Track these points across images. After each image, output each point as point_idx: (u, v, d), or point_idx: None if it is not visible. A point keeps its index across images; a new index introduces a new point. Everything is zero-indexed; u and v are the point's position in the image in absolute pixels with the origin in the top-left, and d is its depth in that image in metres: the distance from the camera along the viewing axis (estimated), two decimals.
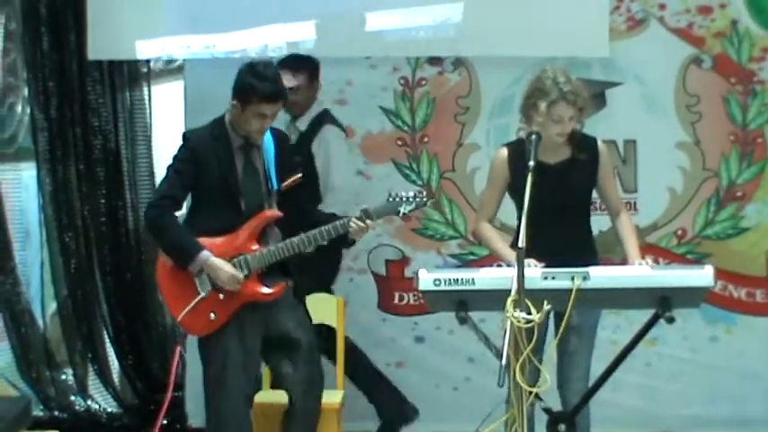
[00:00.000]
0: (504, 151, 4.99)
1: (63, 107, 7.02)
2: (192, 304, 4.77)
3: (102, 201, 7.12)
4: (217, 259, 4.74)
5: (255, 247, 4.82)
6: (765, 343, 6.56)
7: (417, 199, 4.90)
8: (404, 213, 4.92)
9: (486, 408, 4.50)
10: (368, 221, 4.84)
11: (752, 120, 6.60)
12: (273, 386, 5.18)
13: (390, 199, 4.90)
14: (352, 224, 4.83)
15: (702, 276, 4.46)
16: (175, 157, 4.93)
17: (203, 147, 4.85)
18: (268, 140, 4.94)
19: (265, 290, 4.83)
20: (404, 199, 4.89)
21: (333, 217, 4.95)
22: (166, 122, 7.15)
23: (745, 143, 6.61)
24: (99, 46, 6.55)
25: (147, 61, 7.05)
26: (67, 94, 7.01)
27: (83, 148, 7.06)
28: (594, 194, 5.06)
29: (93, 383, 7.09)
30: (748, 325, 6.60)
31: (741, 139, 6.61)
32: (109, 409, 7.05)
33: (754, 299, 6.60)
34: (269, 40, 6.37)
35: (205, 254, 4.74)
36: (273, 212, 4.88)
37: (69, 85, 7.01)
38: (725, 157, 6.61)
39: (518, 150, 4.84)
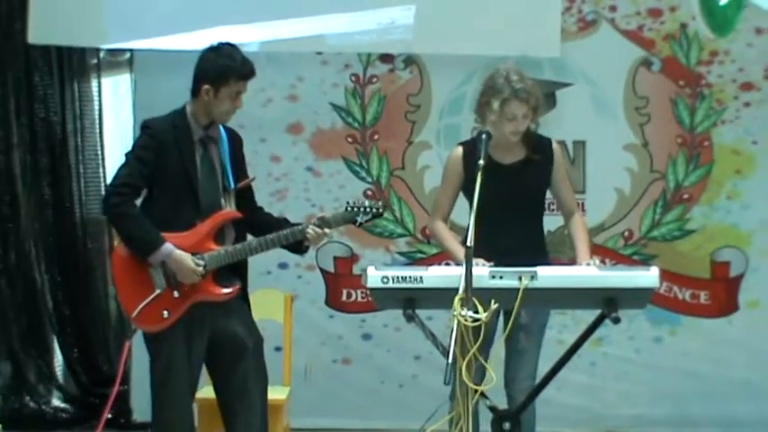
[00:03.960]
0: (459, 150, 5.00)
1: (8, 96, 6.94)
2: (146, 301, 4.72)
3: (48, 191, 7.05)
4: (180, 252, 4.71)
5: (213, 246, 4.79)
6: (708, 344, 6.64)
7: (374, 210, 4.91)
8: (360, 223, 4.93)
9: (432, 406, 4.51)
10: (325, 229, 4.83)
11: (699, 123, 6.67)
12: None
13: (348, 208, 4.90)
14: (309, 231, 4.82)
15: (648, 277, 4.48)
16: (136, 145, 4.84)
17: (165, 136, 4.77)
18: (223, 137, 4.91)
19: (225, 290, 4.79)
20: (361, 209, 4.89)
21: (285, 221, 4.94)
22: (114, 115, 7.10)
23: (692, 146, 6.67)
24: (41, 31, 6.46)
25: (97, 52, 6.99)
26: (14, 84, 6.93)
27: (29, 138, 6.99)
28: (548, 195, 5.08)
29: (37, 377, 7.02)
30: (692, 326, 6.66)
31: (688, 141, 6.67)
32: (53, 403, 6.99)
33: (699, 300, 6.67)
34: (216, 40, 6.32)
35: (168, 246, 4.69)
36: (234, 212, 4.85)
37: (15, 75, 6.93)
38: (672, 159, 6.68)
39: (473, 149, 4.84)
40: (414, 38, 6.50)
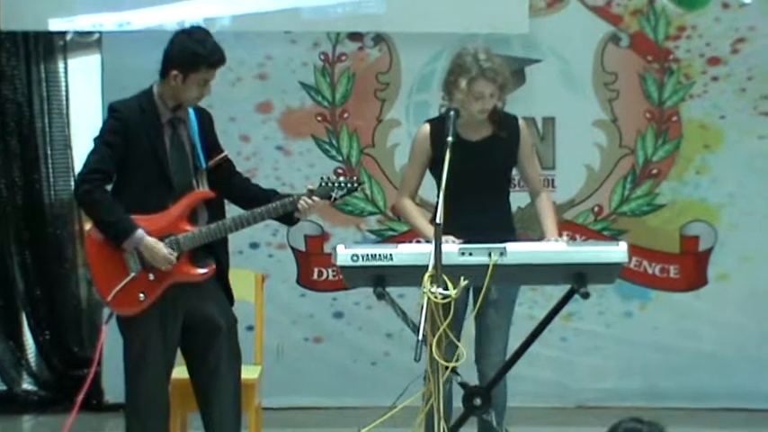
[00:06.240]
0: (427, 127, 5.01)
1: None
2: (121, 284, 4.71)
3: (18, 174, 7.01)
4: (151, 239, 4.68)
5: (187, 227, 4.77)
6: (678, 318, 6.68)
7: (349, 185, 4.91)
8: (335, 198, 4.93)
9: (404, 383, 4.52)
10: (315, 199, 4.82)
11: (668, 98, 6.69)
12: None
13: (323, 183, 4.90)
14: (302, 202, 4.81)
15: (616, 252, 4.52)
16: (104, 129, 4.81)
17: (132, 119, 4.75)
18: (191, 117, 4.89)
19: (201, 270, 4.78)
20: (336, 184, 4.89)
21: (274, 193, 4.93)
22: (82, 96, 7.05)
23: (660, 121, 6.70)
24: (12, 17, 6.43)
25: (64, 34, 6.94)
26: None
27: None
28: (514, 171, 5.10)
29: (8, 359, 7.00)
30: (662, 300, 6.71)
31: (657, 116, 6.70)
32: (24, 386, 6.97)
33: (668, 275, 6.71)
34: (185, 15, 6.30)
35: (140, 233, 4.67)
36: (206, 192, 4.83)
37: None
38: (641, 134, 6.70)
39: (440, 126, 4.86)
40: (383, 14, 6.49)
